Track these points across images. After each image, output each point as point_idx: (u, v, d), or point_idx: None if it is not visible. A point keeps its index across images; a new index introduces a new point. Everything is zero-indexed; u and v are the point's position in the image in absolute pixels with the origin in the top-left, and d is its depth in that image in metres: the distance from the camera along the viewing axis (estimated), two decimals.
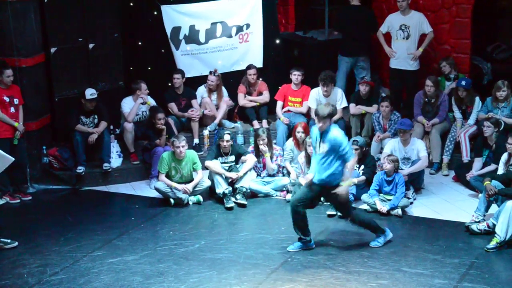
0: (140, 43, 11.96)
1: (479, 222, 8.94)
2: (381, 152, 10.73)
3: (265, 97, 12.12)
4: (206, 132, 11.69)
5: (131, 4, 11.90)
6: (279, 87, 12.07)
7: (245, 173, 10.22)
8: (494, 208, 8.99)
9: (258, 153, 10.50)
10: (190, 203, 10.16)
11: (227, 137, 10.35)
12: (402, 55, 11.76)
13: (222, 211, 9.92)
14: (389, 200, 9.64)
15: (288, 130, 11.52)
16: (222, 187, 10.08)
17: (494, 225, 8.61)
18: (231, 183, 10.20)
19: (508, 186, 8.85)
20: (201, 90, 12.03)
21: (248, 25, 12.29)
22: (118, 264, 8.32)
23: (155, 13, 11.80)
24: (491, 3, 13.35)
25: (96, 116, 11.02)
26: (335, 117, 9.29)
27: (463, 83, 11.01)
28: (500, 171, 9.47)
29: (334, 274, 7.96)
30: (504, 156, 9.51)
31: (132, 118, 11.26)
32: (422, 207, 9.87)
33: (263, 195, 10.41)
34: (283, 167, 10.59)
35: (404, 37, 11.73)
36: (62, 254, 8.59)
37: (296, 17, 14.32)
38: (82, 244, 8.87)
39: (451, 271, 7.98)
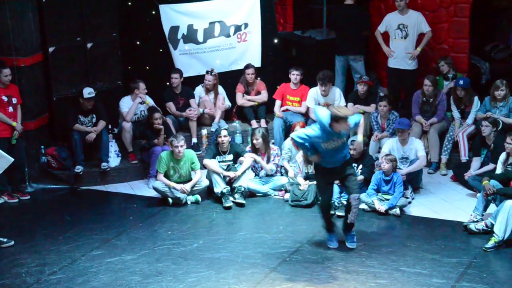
0: (138, 43, 11.95)
1: (477, 221, 8.95)
2: (379, 152, 10.73)
3: (263, 96, 12.11)
4: (204, 132, 11.69)
5: (129, 3, 11.88)
6: (278, 87, 12.07)
7: (243, 173, 10.22)
8: (492, 207, 9.00)
9: (254, 151, 10.50)
10: (189, 202, 10.16)
11: (224, 132, 10.34)
12: (400, 55, 11.76)
13: (220, 211, 9.92)
14: (387, 199, 9.64)
15: (284, 125, 11.53)
16: (220, 187, 10.08)
17: (493, 225, 8.62)
18: (229, 182, 10.20)
19: (506, 185, 8.86)
20: (199, 90, 12.02)
21: (246, 25, 12.29)
22: (116, 264, 8.32)
23: (153, 12, 11.78)
24: (489, 2, 13.36)
25: (94, 116, 11.01)
26: None
27: (461, 82, 11.01)
28: (499, 170, 9.47)
29: (333, 274, 7.96)
30: (503, 156, 9.51)
31: (131, 118, 11.26)
32: (420, 207, 9.87)
33: (261, 195, 10.41)
34: (281, 166, 10.59)
35: (402, 37, 11.73)
36: (60, 254, 8.59)
37: (294, 17, 14.32)
38: (80, 243, 8.87)
39: (449, 270, 7.99)
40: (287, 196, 10.16)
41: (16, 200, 10.38)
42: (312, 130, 8.24)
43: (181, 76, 11.75)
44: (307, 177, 10.09)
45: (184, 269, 8.14)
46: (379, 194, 9.76)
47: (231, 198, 10.05)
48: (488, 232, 8.71)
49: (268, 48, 12.54)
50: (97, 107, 10.97)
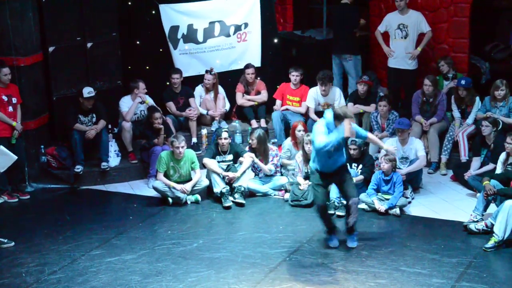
0: (138, 42, 11.94)
1: (477, 221, 8.95)
2: (379, 152, 10.72)
3: (263, 96, 12.11)
4: (204, 131, 11.69)
5: (129, 3, 11.88)
6: (277, 86, 12.07)
7: (243, 172, 10.22)
8: (492, 207, 9.00)
9: (252, 151, 10.49)
10: (188, 202, 10.16)
11: (225, 134, 10.34)
12: (400, 55, 11.75)
13: (220, 210, 9.92)
14: (387, 199, 9.64)
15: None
16: (219, 186, 10.08)
17: (493, 225, 8.62)
18: (229, 182, 10.20)
19: (506, 185, 8.85)
20: (199, 90, 12.01)
21: (246, 24, 12.29)
22: (116, 263, 8.32)
23: (153, 12, 11.78)
24: (489, 2, 13.36)
25: (94, 115, 11.00)
26: None
27: (463, 82, 11.01)
28: (499, 170, 9.47)
29: (332, 274, 7.97)
30: (503, 156, 9.51)
31: (130, 117, 11.25)
32: (420, 207, 9.87)
33: (261, 194, 10.41)
34: (281, 166, 10.58)
35: (402, 37, 11.72)
36: (60, 253, 8.59)
37: (294, 16, 14.33)
38: (80, 243, 8.87)
39: (449, 270, 7.99)
40: (287, 196, 10.16)
41: (16, 200, 10.38)
42: (322, 134, 8.25)
43: (181, 76, 11.75)
44: (307, 177, 10.08)
45: (184, 269, 8.14)
46: (379, 194, 9.76)
47: (230, 198, 10.04)
48: (488, 232, 8.70)
49: (268, 48, 12.54)
50: (97, 106, 10.97)
